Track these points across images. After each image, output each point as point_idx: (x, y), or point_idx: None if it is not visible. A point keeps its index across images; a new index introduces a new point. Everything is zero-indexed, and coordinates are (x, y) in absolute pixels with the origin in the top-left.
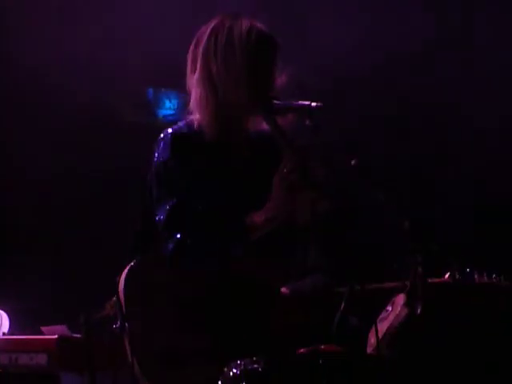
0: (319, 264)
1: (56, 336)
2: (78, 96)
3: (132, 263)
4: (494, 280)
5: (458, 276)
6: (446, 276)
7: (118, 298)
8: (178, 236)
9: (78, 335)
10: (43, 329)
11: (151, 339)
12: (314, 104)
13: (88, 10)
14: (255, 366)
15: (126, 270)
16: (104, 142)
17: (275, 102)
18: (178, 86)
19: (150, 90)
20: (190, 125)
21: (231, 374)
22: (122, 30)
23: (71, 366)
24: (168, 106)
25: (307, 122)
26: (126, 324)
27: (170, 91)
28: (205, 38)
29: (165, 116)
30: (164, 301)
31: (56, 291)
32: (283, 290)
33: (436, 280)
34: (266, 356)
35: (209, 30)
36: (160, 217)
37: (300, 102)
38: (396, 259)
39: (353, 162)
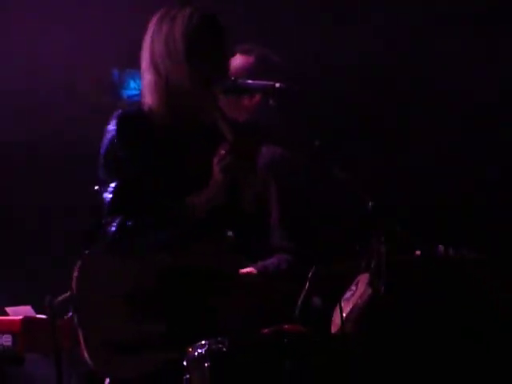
0: (282, 246)
1: (21, 317)
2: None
3: (86, 252)
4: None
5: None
6: (417, 252)
7: (72, 286)
8: (120, 218)
9: (43, 316)
10: (7, 309)
11: (100, 327)
12: (278, 84)
13: None
14: (219, 345)
15: (80, 259)
16: (67, 123)
17: (240, 80)
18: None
19: (115, 71)
20: (140, 108)
21: (196, 354)
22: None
23: (36, 347)
24: (133, 87)
25: (271, 102)
26: (77, 314)
27: (135, 71)
28: (152, 24)
29: (130, 96)
30: (114, 289)
31: (20, 272)
32: (249, 269)
33: (405, 257)
34: (231, 336)
35: (156, 17)
36: (105, 200)
37: (265, 82)
38: (358, 239)
39: (316, 143)
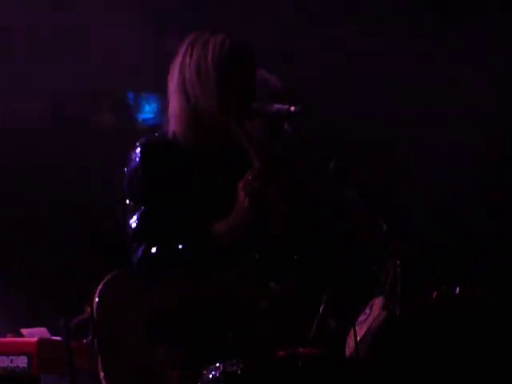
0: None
1: (36, 338)
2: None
3: (108, 277)
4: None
5: (445, 294)
6: (434, 294)
7: (92, 311)
8: (145, 245)
9: (58, 338)
10: (23, 331)
11: (119, 354)
12: (292, 108)
13: None
14: (234, 368)
15: (101, 284)
16: (81, 148)
17: (253, 104)
18: (157, 89)
19: (130, 94)
20: (164, 134)
21: (210, 376)
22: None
23: (51, 368)
24: (148, 110)
25: (286, 127)
26: (96, 339)
27: (150, 95)
28: (183, 49)
29: (144, 120)
30: (135, 315)
31: (35, 293)
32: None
33: (422, 300)
34: (245, 358)
35: (187, 42)
36: (130, 227)
37: (279, 105)
38: (374, 261)
39: (331, 165)
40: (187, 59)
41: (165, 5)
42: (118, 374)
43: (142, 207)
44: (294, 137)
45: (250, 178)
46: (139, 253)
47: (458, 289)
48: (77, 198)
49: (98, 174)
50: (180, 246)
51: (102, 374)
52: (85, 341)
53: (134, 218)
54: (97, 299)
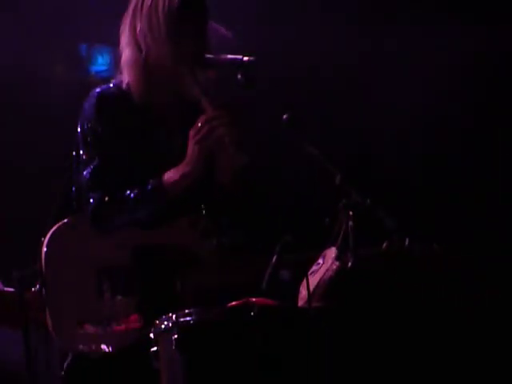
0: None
1: None
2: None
3: (56, 226)
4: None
5: (395, 245)
6: (384, 245)
7: (40, 259)
8: (98, 195)
9: (11, 289)
10: None
11: (67, 302)
12: (246, 58)
13: None
14: (187, 318)
15: (49, 233)
16: (36, 100)
17: (207, 56)
18: (111, 41)
19: (83, 46)
20: (119, 85)
21: (163, 326)
22: None
23: (4, 320)
24: (101, 62)
25: (239, 77)
26: (44, 286)
27: (103, 47)
28: (133, 1)
29: (97, 72)
30: (85, 265)
31: None
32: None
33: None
34: (198, 309)
35: None
36: (84, 177)
37: (232, 55)
38: (327, 214)
39: (285, 117)
40: (138, 10)
41: None
42: (66, 324)
43: (96, 158)
44: (246, 87)
45: (199, 124)
46: (92, 202)
47: (407, 240)
48: (29, 149)
49: (51, 127)
50: (131, 195)
51: (50, 324)
52: (33, 289)
53: (88, 168)
54: (45, 249)
